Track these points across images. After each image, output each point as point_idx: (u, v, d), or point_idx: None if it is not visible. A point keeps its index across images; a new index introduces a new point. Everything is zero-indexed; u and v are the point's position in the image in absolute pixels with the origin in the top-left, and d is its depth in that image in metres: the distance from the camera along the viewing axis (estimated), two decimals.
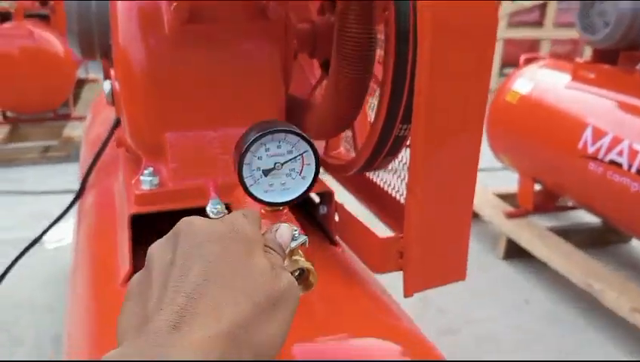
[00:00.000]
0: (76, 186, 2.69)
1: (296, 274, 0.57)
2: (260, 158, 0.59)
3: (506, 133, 2.72)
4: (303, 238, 0.58)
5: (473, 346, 2.05)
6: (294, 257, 0.58)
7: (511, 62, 5.37)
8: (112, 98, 1.04)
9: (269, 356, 0.39)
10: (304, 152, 0.61)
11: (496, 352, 2.03)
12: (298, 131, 0.59)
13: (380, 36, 0.83)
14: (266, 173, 0.60)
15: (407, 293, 0.81)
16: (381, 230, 0.88)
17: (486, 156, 2.90)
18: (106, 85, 1.04)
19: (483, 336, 2.11)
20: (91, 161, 1.29)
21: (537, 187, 2.71)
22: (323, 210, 0.95)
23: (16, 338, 2.07)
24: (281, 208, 0.63)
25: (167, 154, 0.85)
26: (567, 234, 2.64)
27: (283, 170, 0.60)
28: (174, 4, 0.79)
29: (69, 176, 3.51)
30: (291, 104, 1.02)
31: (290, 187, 0.61)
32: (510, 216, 2.70)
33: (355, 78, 0.81)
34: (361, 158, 0.92)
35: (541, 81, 2.58)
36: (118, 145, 0.98)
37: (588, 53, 2.43)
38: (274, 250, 0.51)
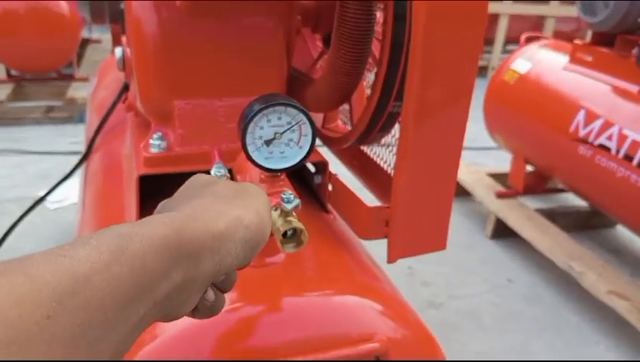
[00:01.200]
0: (79, 148, 2.74)
1: (290, 233, 0.64)
2: (261, 128, 0.66)
3: (502, 113, 2.77)
4: (297, 201, 0.65)
5: (454, 320, 2.14)
6: (288, 218, 0.65)
7: (515, 39, 5.40)
8: (123, 64, 1.10)
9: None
10: (302, 124, 0.67)
11: (476, 327, 2.12)
12: (297, 105, 0.66)
13: (379, 14, 0.89)
14: (267, 143, 0.66)
15: (391, 260, 0.88)
16: (369, 201, 0.95)
17: (482, 135, 2.97)
18: (118, 51, 1.09)
19: (464, 311, 2.20)
20: (99, 123, 1.34)
21: (529, 168, 2.78)
22: (318, 179, 1.02)
23: None
24: (279, 174, 0.70)
25: (175, 120, 0.91)
26: (554, 216, 2.72)
27: (282, 139, 0.67)
28: None
29: (71, 137, 3.58)
30: (292, 77, 1.08)
31: (288, 155, 0.68)
32: (500, 195, 2.78)
33: (354, 55, 0.87)
34: (356, 132, 0.98)
35: (540, 62, 2.62)
36: (128, 109, 1.03)
37: (590, 32, 2.45)
38: None
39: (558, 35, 5.76)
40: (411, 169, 0.83)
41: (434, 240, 0.93)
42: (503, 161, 3.07)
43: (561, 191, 2.96)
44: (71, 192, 2.66)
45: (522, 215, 2.63)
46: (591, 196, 2.41)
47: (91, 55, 4.79)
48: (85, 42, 4.82)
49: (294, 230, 0.64)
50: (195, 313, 0.49)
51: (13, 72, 4.09)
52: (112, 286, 0.35)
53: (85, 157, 1.42)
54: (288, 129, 0.66)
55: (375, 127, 0.95)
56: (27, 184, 2.98)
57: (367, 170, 1.08)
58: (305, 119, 0.67)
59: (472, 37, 0.78)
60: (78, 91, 3.92)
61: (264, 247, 0.75)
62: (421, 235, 0.91)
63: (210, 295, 0.50)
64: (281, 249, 0.64)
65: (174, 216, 0.43)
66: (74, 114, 3.83)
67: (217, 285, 0.52)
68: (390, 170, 1.00)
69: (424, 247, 0.93)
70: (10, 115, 3.78)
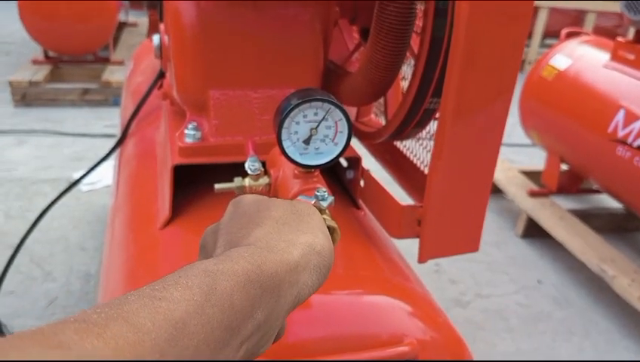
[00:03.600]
0: (113, 131, 2.77)
1: None
2: (297, 123, 0.65)
3: (538, 110, 2.71)
4: (331, 199, 0.65)
5: (481, 320, 2.12)
6: (322, 216, 0.64)
7: (554, 33, 5.26)
8: (160, 52, 1.10)
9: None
10: (338, 120, 0.66)
11: (503, 328, 2.09)
12: (334, 100, 0.65)
13: (420, 7, 0.87)
14: (305, 141, 0.65)
15: (422, 259, 0.87)
16: (401, 197, 0.93)
17: (516, 131, 2.92)
18: (155, 39, 1.09)
19: (492, 311, 2.17)
20: (134, 110, 1.35)
21: (563, 167, 2.72)
22: (350, 174, 1.01)
23: (48, 273, 2.20)
24: (312, 170, 0.69)
25: (211, 111, 0.91)
26: (587, 217, 2.66)
27: (318, 135, 0.66)
28: None
29: (106, 120, 3.63)
30: (328, 69, 1.07)
31: (323, 151, 0.67)
32: (533, 194, 2.73)
33: (393, 50, 0.85)
34: (391, 128, 0.97)
35: (580, 58, 2.55)
36: (164, 97, 1.04)
37: (633, 30, 2.37)
38: None
39: (599, 30, 5.61)
40: (447, 168, 0.81)
41: (467, 241, 0.92)
42: (536, 158, 3.01)
43: (596, 191, 2.89)
44: (104, 175, 2.71)
45: (554, 215, 2.58)
46: (627, 198, 2.34)
47: (127, 38, 4.84)
48: (122, 25, 4.88)
49: (328, 228, 0.63)
50: None
51: (51, 54, 4.15)
52: (206, 330, 0.34)
53: (120, 142, 1.44)
54: (321, 122, 0.65)
55: (410, 123, 0.94)
56: (61, 165, 3.03)
57: (399, 166, 1.07)
58: (342, 116, 0.66)
59: (516, 34, 0.76)
60: (113, 74, 3.97)
61: None
62: (454, 236, 0.90)
63: None
64: None
65: (252, 251, 0.42)
66: (109, 97, 3.88)
67: None
68: (423, 167, 0.99)
69: (456, 248, 0.91)
70: (47, 96, 3.85)
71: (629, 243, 2.73)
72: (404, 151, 1.08)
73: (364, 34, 1.10)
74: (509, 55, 0.76)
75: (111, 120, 3.58)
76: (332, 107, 0.65)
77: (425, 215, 0.84)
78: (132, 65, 2.16)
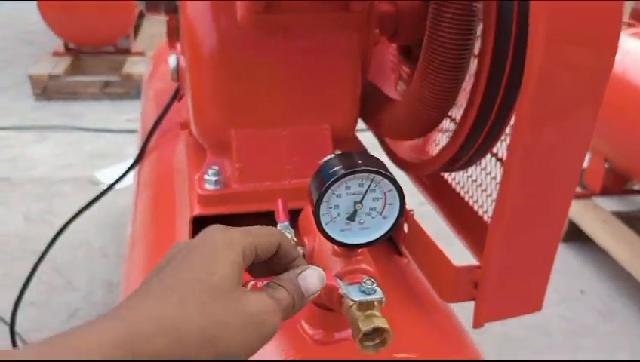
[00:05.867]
0: (134, 126, 2.68)
1: (370, 330, 0.52)
2: (339, 196, 0.54)
3: None
4: (379, 296, 0.53)
5: (522, 335, 1.99)
6: (369, 311, 0.52)
7: None
8: (177, 75, 0.99)
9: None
10: (387, 191, 0.54)
11: (545, 344, 1.97)
12: (383, 171, 0.53)
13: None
14: (349, 218, 0.54)
15: (477, 325, 0.76)
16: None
17: None
18: (171, 60, 0.98)
19: (533, 325, 2.04)
20: (150, 128, 1.25)
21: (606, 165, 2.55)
22: None
23: (69, 282, 2.13)
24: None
25: (234, 153, 0.79)
26: (632, 220, 2.49)
27: (363, 208, 0.54)
28: None
29: (127, 114, 3.54)
30: (366, 92, 0.94)
31: (369, 226, 0.56)
32: (575, 196, 2.57)
33: (443, 87, 0.73)
34: (439, 162, 0.85)
35: (628, 53, 2.36)
36: (182, 127, 0.93)
37: None
38: (282, 286, 0.45)
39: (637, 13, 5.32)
40: (511, 226, 0.69)
41: (529, 301, 0.80)
42: None
43: None
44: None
45: (598, 218, 2.42)
46: None
47: (147, 28, 4.73)
48: (142, 14, 4.76)
49: (377, 329, 0.52)
50: None
51: (71, 45, 4.07)
52: None
53: (138, 160, 1.34)
54: (367, 194, 0.53)
55: (460, 159, 0.82)
56: (82, 163, 2.96)
57: (453, 208, 0.94)
58: (392, 186, 0.54)
59: (600, 65, 0.64)
60: (134, 66, 3.87)
61: (332, 320, 0.63)
62: (514, 297, 0.78)
63: None
64: (358, 348, 0.52)
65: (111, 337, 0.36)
66: (130, 90, 3.79)
67: None
68: (482, 213, 0.86)
69: (517, 310, 0.80)
70: (68, 89, 3.77)
71: None
72: (457, 188, 0.95)
73: (405, 51, 0.97)
74: (592, 88, 0.64)
75: (132, 113, 3.49)
76: (380, 177, 0.53)
77: (483, 277, 0.73)
78: (151, 66, 2.06)
